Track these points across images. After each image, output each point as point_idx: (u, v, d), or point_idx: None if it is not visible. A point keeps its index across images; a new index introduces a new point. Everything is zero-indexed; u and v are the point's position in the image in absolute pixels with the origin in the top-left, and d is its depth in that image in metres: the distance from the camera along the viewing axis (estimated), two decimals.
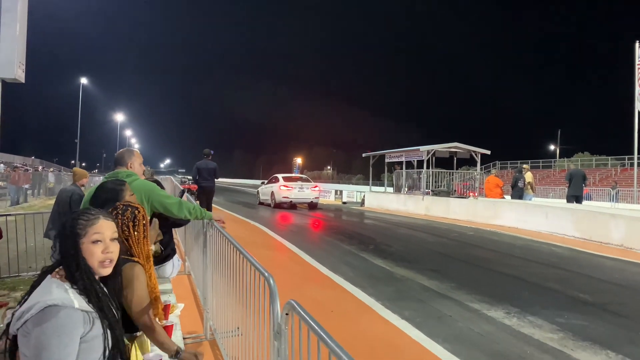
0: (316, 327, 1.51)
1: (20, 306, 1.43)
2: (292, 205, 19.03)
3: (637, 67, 19.97)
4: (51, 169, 43.83)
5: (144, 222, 2.08)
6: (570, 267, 7.71)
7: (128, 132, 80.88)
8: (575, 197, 14.15)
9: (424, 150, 18.64)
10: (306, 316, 1.62)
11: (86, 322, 1.44)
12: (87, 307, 1.46)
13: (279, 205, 18.85)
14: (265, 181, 21.57)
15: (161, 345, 1.97)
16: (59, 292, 1.43)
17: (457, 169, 20.43)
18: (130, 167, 3.44)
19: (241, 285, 2.77)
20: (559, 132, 56.38)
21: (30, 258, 7.02)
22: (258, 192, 22.21)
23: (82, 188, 5.97)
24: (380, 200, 21.73)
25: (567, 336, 4.31)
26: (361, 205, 22.76)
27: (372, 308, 5.07)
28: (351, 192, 29.38)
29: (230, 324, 3.42)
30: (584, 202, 15.47)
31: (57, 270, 1.51)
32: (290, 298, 1.93)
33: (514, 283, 6.52)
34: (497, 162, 48.16)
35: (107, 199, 2.43)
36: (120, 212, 2.06)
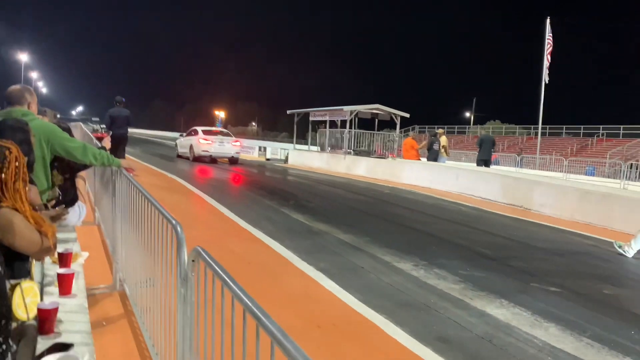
0: (221, 272, 1.48)
1: None
2: (212, 160, 18.64)
3: (547, 42, 21.29)
4: None
5: (16, 163, 1.86)
6: (476, 225, 8.29)
7: (34, 75, 73.84)
8: (484, 161, 15.08)
9: (347, 110, 18.87)
10: (211, 262, 1.58)
11: None
12: None
13: (198, 159, 18.38)
14: (184, 134, 21.00)
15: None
16: None
17: (378, 131, 20.94)
18: (29, 107, 3.14)
19: (150, 235, 2.66)
20: (474, 100, 59.41)
21: None
22: (176, 144, 21.47)
23: None
24: (303, 158, 21.86)
25: (467, 287, 4.64)
26: (285, 163, 22.78)
27: (289, 260, 5.15)
28: (275, 150, 29.28)
29: (140, 275, 3.31)
30: (492, 167, 16.58)
31: None
32: (209, 249, 1.88)
33: (423, 238, 6.90)
34: (415, 125, 49.93)
35: (14, 139, 2.20)
36: None
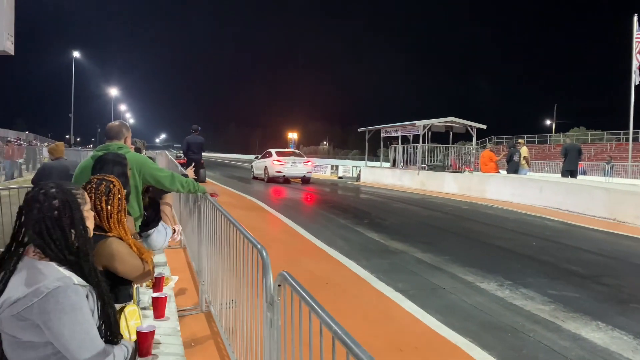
0: (308, 298, 1.51)
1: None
2: (285, 180, 19.10)
3: (635, 41, 19.80)
4: (45, 144, 43.46)
5: (119, 195, 2.05)
6: (563, 240, 7.79)
7: (123, 107, 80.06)
8: (570, 171, 14.19)
9: (420, 124, 18.58)
10: (298, 287, 1.62)
11: (87, 296, 1.44)
12: (83, 282, 1.45)
13: (272, 180, 18.95)
14: (259, 156, 21.59)
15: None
16: (55, 271, 1.41)
17: (453, 144, 20.41)
18: (125, 142, 3.40)
19: (235, 258, 2.77)
20: (555, 106, 56.32)
21: None
22: (252, 166, 22.23)
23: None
24: (375, 175, 21.75)
25: (558, 307, 4.37)
26: (357, 180, 22.79)
27: (366, 280, 5.12)
28: (347, 167, 29.38)
29: (225, 296, 3.44)
30: (579, 177, 15.55)
31: (33, 250, 1.45)
32: (285, 268, 1.94)
33: (506, 256, 6.58)
34: (492, 136, 48.08)
35: (113, 172, 2.43)
36: (94, 186, 2.02)
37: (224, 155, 79.05)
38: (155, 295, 2.28)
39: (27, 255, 1.45)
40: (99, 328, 1.48)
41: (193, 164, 10.31)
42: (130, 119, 77.71)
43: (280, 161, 18.90)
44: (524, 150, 16.02)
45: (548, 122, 58.73)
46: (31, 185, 7.03)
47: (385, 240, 7.34)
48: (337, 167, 30.05)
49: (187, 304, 4.13)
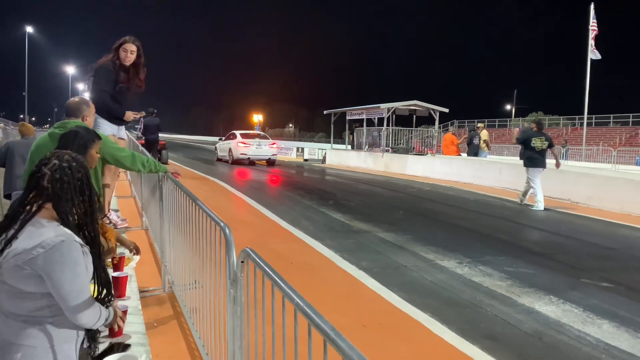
0: (270, 273, 1.51)
1: (8, 244, 1.50)
2: (250, 162, 19.10)
3: (590, 29, 20.45)
4: (0, 125, 41.58)
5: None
6: (521, 220, 8.08)
7: (81, 86, 76.99)
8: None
9: (385, 107, 18.73)
10: (261, 262, 1.62)
11: (84, 254, 1.58)
12: (81, 241, 1.59)
13: (236, 162, 18.94)
14: (223, 138, 21.51)
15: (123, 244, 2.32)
16: (58, 229, 1.54)
17: (416, 127, 20.70)
18: (85, 120, 3.28)
19: (198, 237, 2.74)
20: (515, 92, 57.74)
21: None
22: (216, 148, 22.05)
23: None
24: (341, 157, 21.86)
25: (514, 283, 4.54)
26: (322, 163, 22.85)
27: (331, 259, 5.17)
28: (313, 150, 29.38)
29: (188, 277, 3.41)
30: None
31: (46, 207, 1.58)
32: (248, 247, 1.93)
33: (467, 235, 6.77)
34: (455, 120, 48.95)
35: (80, 145, 2.41)
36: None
37: (188, 137, 77.54)
38: (115, 274, 2.23)
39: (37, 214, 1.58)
40: (96, 287, 1.66)
41: (145, 142, 10.36)
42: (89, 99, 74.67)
43: (245, 143, 18.80)
44: (483, 134, 16.43)
45: (508, 107, 60.20)
46: None
47: (350, 221, 7.42)
48: (302, 149, 29.98)
49: (150, 285, 4.07)
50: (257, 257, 1.68)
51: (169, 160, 15.32)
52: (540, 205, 9.18)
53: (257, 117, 55.15)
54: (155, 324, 3.34)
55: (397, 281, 4.52)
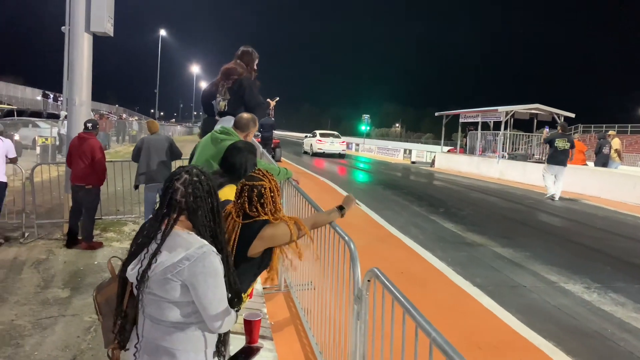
0: (402, 299, 1.52)
1: (154, 259, 1.59)
2: (324, 155, 24.62)
3: None
4: (136, 118, 46.48)
5: (272, 194, 2.10)
6: None
7: (203, 84, 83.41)
8: None
9: (503, 111, 17.71)
10: (390, 286, 1.63)
11: (221, 262, 1.67)
12: (217, 252, 1.67)
13: (316, 154, 24.55)
14: (310, 135, 27.91)
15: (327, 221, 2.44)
16: (198, 240, 1.64)
17: (536, 132, 19.31)
18: (246, 137, 3.44)
19: (318, 244, 2.83)
20: None
21: (118, 201, 7.63)
22: (303, 143, 27.73)
23: None
24: (451, 161, 21.12)
25: None
26: (431, 166, 22.27)
27: (442, 272, 5.04)
28: (420, 152, 28.75)
29: (304, 278, 3.54)
30: None
31: (180, 219, 1.67)
32: (361, 258, 1.96)
33: (594, 256, 6.19)
34: (579, 125, 44.79)
35: (241, 164, 2.60)
36: (246, 194, 2.07)
37: (295, 134, 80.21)
38: (249, 317, 2.04)
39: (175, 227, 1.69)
40: (227, 292, 1.71)
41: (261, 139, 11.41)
42: None
43: (321, 141, 25.06)
44: (615, 142, 14.86)
45: None
46: (122, 159, 7.52)
47: (462, 232, 7.15)
48: (410, 151, 29.53)
49: (265, 283, 4.29)
50: (386, 278, 1.70)
51: (283, 159, 17.52)
52: (551, 194, 11.23)
53: (365, 116, 55.68)
54: (272, 323, 3.52)
55: (515, 302, 4.28)
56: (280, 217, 2.10)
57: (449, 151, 24.21)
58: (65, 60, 6.83)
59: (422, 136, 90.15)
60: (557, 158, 11.15)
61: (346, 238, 2.23)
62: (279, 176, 3.63)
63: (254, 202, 2.04)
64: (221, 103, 4.22)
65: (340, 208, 2.51)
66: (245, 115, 3.51)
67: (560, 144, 11.10)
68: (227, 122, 4.14)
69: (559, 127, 12.13)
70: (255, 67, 4.38)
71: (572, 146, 11.33)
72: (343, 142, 26.13)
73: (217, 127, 4.09)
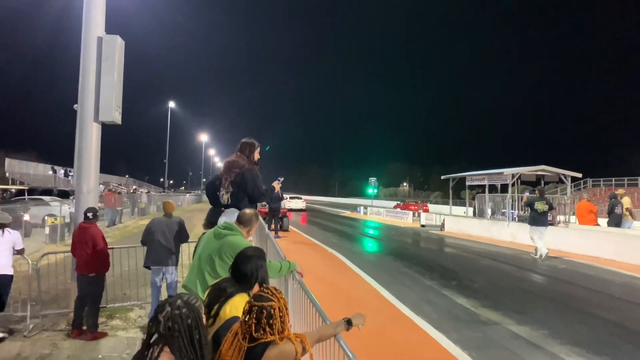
0: None
1: None
2: (290, 210, 34.97)
3: None
4: (146, 191, 47.23)
5: (281, 314, 2.02)
6: None
7: (212, 151, 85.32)
8: None
9: (509, 173, 17.74)
10: None
11: None
12: None
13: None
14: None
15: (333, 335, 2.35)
16: None
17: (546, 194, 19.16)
18: (249, 232, 3.50)
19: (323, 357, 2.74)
20: None
21: (124, 284, 7.53)
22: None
23: None
24: (461, 224, 20.91)
25: None
26: (441, 230, 22.04)
27: (458, 359, 4.84)
28: (430, 215, 28.58)
29: None
30: None
31: (165, 350, 1.77)
32: (370, 339, 1.87)
33: (614, 331, 5.93)
34: (588, 179, 44.49)
35: (252, 272, 2.58)
36: (255, 315, 2.00)
37: (308, 197, 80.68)
38: None
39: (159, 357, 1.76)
40: None
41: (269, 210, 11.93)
42: (218, 162, 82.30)
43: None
44: (625, 201, 14.69)
45: None
46: (128, 239, 7.50)
47: (476, 308, 6.94)
48: (419, 214, 29.42)
49: None
50: None
51: (290, 227, 18.68)
52: (540, 252, 12.19)
53: (372, 179, 56.43)
54: None
55: None
56: (286, 335, 2.04)
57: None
58: (76, 148, 7.02)
59: (431, 194, 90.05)
60: (538, 220, 12.29)
61: (350, 355, 2.15)
62: (282, 271, 3.59)
63: (262, 324, 1.97)
64: (224, 197, 4.27)
65: (349, 322, 2.46)
66: (248, 211, 3.55)
67: (540, 206, 12.26)
68: (231, 214, 4.18)
69: (537, 191, 13.33)
70: (255, 157, 4.47)
71: (551, 208, 12.70)
72: (304, 201, 44.31)
73: (221, 220, 4.13)
